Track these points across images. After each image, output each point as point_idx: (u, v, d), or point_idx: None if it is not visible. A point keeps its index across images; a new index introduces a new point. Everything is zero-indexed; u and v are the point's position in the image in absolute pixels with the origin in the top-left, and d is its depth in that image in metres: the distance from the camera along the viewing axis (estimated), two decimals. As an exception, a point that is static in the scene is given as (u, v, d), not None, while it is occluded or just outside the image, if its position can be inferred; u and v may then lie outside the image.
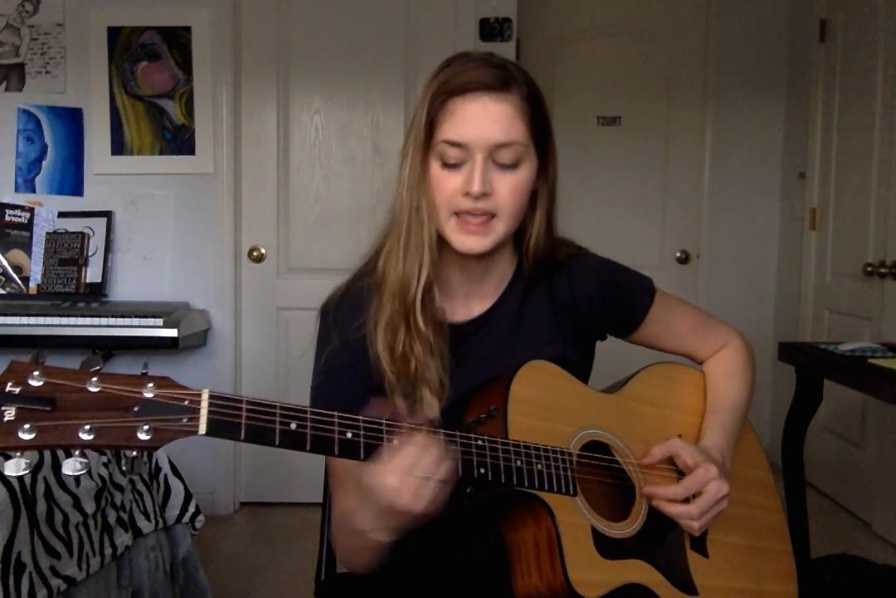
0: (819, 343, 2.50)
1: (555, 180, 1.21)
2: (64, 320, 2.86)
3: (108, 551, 1.84)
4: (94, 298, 3.14)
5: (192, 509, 2.17)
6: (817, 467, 3.42)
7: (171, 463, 2.18)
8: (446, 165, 1.12)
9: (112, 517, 1.88)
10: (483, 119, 1.10)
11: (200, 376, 3.27)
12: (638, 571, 1.11)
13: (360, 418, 0.93)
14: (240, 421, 0.86)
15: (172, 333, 2.86)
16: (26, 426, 0.77)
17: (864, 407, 3.25)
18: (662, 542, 1.16)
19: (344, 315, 1.19)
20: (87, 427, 0.79)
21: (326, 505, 1.38)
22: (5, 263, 3.18)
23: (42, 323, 2.85)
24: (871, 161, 3.23)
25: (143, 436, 0.81)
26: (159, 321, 2.87)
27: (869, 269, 3.16)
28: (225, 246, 3.29)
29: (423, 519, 0.94)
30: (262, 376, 3.36)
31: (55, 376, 0.80)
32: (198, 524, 2.19)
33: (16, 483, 1.59)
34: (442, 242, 1.16)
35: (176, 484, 2.17)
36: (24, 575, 1.56)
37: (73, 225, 3.21)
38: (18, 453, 0.79)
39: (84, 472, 0.81)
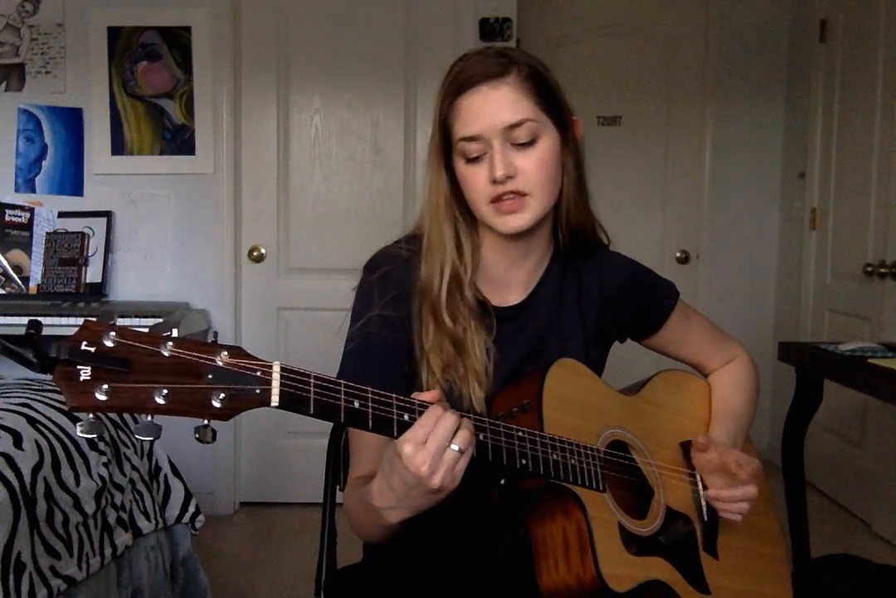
0: (819, 343, 2.50)
1: (577, 149, 1.21)
2: (64, 320, 2.85)
3: (108, 551, 1.84)
4: (94, 298, 3.13)
5: (192, 509, 2.17)
6: (817, 467, 3.42)
7: (171, 463, 2.17)
8: (470, 161, 1.15)
9: (112, 517, 1.88)
10: (486, 108, 1.13)
11: (200, 376, 3.27)
12: (660, 568, 1.13)
13: (416, 401, 0.93)
14: (309, 396, 0.85)
15: (172, 333, 2.86)
16: (103, 387, 0.74)
17: (864, 407, 3.24)
18: (679, 542, 1.19)
19: (388, 283, 1.19)
20: (165, 392, 0.76)
21: (327, 505, 1.38)
22: (5, 263, 3.18)
23: (42, 323, 2.84)
24: (871, 161, 3.22)
25: (217, 404, 0.79)
26: (159, 321, 2.87)
27: (869, 269, 3.16)
28: (225, 246, 3.29)
29: (438, 496, 0.94)
30: (262, 376, 3.36)
31: (129, 337, 0.77)
32: (198, 524, 2.19)
33: (16, 483, 1.59)
34: (483, 229, 1.21)
35: (176, 484, 2.16)
36: (24, 575, 1.55)
37: (73, 225, 3.21)
38: (90, 415, 0.75)
39: (151, 439, 0.78)
